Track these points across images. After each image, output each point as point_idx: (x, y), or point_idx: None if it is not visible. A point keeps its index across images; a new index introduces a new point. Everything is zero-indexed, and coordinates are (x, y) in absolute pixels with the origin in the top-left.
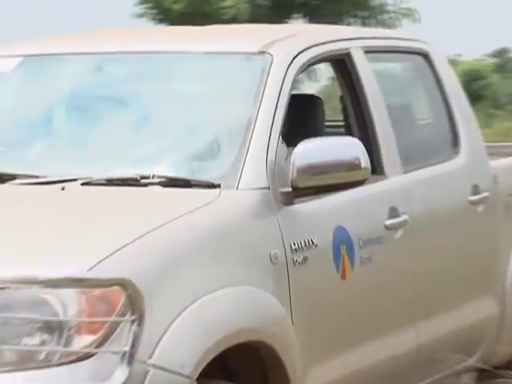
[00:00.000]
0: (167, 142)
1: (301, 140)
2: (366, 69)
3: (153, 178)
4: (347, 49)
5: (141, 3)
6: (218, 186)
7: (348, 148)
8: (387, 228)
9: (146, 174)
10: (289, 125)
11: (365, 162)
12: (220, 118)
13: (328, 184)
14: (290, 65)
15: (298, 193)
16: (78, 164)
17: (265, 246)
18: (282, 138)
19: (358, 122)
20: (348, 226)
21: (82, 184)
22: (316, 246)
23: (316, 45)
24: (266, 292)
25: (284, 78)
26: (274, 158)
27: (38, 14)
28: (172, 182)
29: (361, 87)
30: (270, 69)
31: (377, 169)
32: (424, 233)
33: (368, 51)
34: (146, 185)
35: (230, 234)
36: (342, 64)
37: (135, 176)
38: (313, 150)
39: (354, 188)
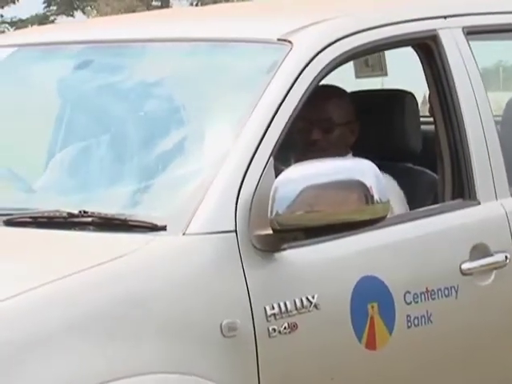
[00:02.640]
0: (106, 164)
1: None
2: (462, 58)
3: (83, 215)
4: (433, 30)
5: None
6: (163, 228)
7: (354, 175)
8: (464, 273)
9: (74, 210)
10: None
11: (380, 193)
12: (189, 134)
13: (322, 225)
14: (313, 58)
15: (283, 236)
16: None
17: (212, 314)
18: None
19: (446, 127)
20: (385, 275)
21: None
22: (316, 306)
23: (365, 29)
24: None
25: (299, 77)
26: (253, 189)
27: None
28: (106, 222)
29: (450, 82)
30: (281, 64)
31: (465, 191)
32: None
33: (472, 32)
34: (74, 224)
35: (147, 299)
36: (428, 52)
37: (61, 213)
38: (302, 179)
39: (366, 228)
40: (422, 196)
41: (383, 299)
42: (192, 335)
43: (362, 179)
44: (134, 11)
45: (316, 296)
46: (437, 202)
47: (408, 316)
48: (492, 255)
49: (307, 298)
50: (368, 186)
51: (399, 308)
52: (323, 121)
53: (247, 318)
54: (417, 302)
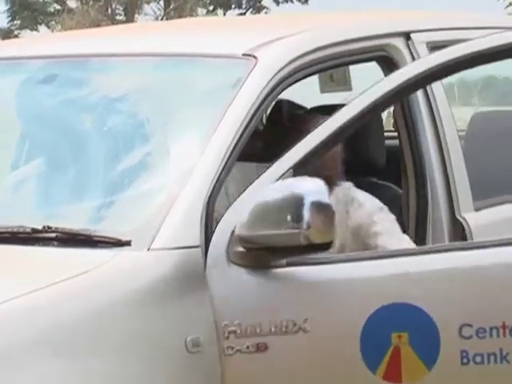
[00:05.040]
0: (70, 180)
1: None
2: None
3: (47, 231)
4: (397, 45)
5: None
6: (128, 243)
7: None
8: None
9: (38, 226)
10: None
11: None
12: (154, 149)
13: (276, 246)
14: (277, 73)
15: (256, 253)
16: None
17: (177, 329)
18: None
19: (410, 142)
20: (427, 305)
21: None
22: (302, 329)
23: (330, 44)
24: None
25: (263, 92)
26: (218, 205)
27: None
28: (70, 237)
29: (413, 97)
30: (246, 79)
31: (429, 206)
32: None
33: (436, 47)
34: (38, 240)
35: (111, 314)
36: (392, 66)
37: (24, 229)
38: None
39: (319, 252)
40: None
41: (419, 330)
42: (157, 350)
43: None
44: (98, 26)
45: (304, 318)
46: (401, 216)
47: (464, 351)
48: None
49: (290, 320)
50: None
51: (449, 342)
52: None
53: (211, 335)
54: (483, 337)
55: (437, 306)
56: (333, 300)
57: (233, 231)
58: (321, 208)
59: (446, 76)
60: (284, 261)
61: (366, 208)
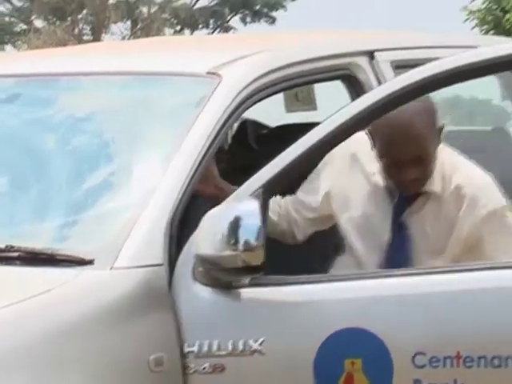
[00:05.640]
0: (34, 198)
1: None
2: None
3: (9, 250)
4: (361, 64)
5: (481, 25)
6: (91, 262)
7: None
8: None
9: (0, 245)
10: None
11: (257, 239)
12: (117, 168)
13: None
14: (242, 91)
15: (220, 273)
16: None
17: (140, 348)
18: None
19: None
20: (382, 331)
21: None
22: (258, 351)
23: (295, 63)
24: None
25: (227, 110)
26: (182, 224)
27: None
28: (33, 256)
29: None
30: (210, 97)
31: None
32: None
33: (400, 66)
34: (1, 259)
35: (73, 333)
36: (356, 85)
37: None
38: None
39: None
40: None
41: (372, 357)
42: (120, 369)
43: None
44: (65, 45)
45: (261, 341)
46: None
47: (417, 381)
48: None
49: (247, 342)
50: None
51: (402, 370)
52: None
53: (174, 354)
54: (436, 366)
55: (390, 333)
56: (288, 323)
57: (194, 250)
58: (254, 230)
59: (416, 97)
60: (246, 281)
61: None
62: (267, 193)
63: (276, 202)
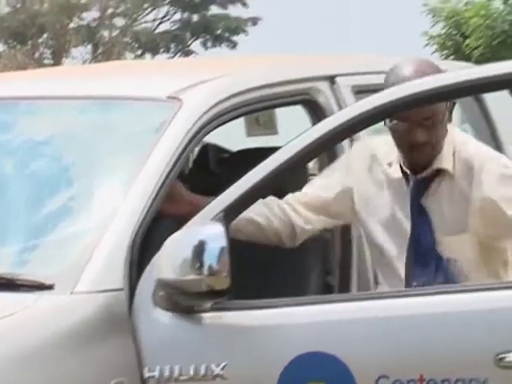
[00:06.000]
0: None
1: None
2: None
3: None
4: (322, 89)
5: (441, 50)
6: (51, 287)
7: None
8: (503, 365)
9: None
10: None
11: (222, 263)
12: (77, 193)
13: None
14: (202, 116)
15: (180, 297)
16: None
17: (100, 373)
18: None
19: None
20: (344, 354)
21: None
22: (220, 376)
23: (255, 88)
24: None
25: (188, 135)
26: (142, 248)
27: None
28: None
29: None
30: (170, 122)
31: None
32: None
33: (361, 91)
34: None
35: (33, 358)
36: (317, 110)
37: None
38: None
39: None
40: (312, 255)
41: (335, 380)
42: None
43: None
44: (25, 69)
45: (223, 365)
46: (327, 262)
47: None
48: None
49: (208, 366)
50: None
51: None
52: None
53: (134, 379)
54: None
55: (354, 356)
56: (251, 347)
57: (154, 275)
58: (218, 254)
59: (375, 122)
60: (208, 305)
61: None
62: (228, 217)
63: (266, 203)
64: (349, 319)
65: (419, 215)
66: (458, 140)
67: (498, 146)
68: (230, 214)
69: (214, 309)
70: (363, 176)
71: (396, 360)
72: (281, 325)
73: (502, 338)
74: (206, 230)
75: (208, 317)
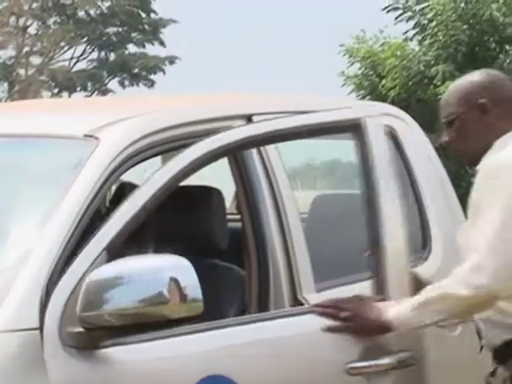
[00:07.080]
0: None
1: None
2: (268, 156)
3: None
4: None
5: (358, 90)
6: None
7: (168, 273)
8: (351, 373)
9: None
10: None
11: (194, 291)
12: None
13: (133, 324)
14: (119, 154)
15: (98, 334)
16: None
17: None
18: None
19: (253, 224)
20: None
21: None
22: None
23: (173, 126)
24: None
25: (104, 173)
26: (70, 284)
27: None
28: None
29: (255, 180)
30: (87, 160)
31: (271, 289)
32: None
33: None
34: None
35: None
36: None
37: None
38: (114, 278)
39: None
40: (229, 292)
41: None
42: None
43: (177, 277)
44: None
45: None
46: (244, 299)
47: None
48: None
49: None
50: (182, 285)
51: None
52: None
53: None
54: None
55: (247, 378)
56: (154, 378)
57: (62, 313)
58: (178, 284)
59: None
60: (110, 341)
61: None
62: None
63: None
64: (240, 343)
65: None
66: (497, 143)
67: None
68: (111, 251)
69: (115, 344)
70: None
71: (283, 380)
72: (180, 354)
73: None
74: (163, 261)
75: (110, 352)
